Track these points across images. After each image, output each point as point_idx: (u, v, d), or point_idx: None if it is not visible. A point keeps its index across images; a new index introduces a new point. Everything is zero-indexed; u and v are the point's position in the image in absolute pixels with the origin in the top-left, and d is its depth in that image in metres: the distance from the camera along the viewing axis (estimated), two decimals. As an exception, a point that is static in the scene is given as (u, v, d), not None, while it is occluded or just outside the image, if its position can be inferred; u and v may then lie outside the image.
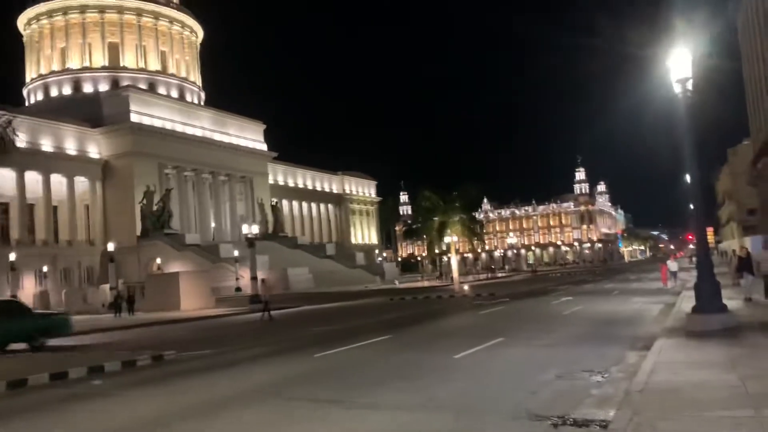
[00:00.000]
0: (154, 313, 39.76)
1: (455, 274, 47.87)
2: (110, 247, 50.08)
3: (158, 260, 76.49)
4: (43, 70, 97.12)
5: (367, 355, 13.99)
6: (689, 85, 12.60)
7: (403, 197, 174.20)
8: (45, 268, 74.28)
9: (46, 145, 78.56)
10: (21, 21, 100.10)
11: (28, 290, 68.06)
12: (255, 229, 41.18)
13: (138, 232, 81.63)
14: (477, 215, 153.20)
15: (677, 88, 12.80)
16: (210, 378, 12.44)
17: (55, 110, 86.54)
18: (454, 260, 49.71)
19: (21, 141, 51.45)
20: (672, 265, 35.24)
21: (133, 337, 24.45)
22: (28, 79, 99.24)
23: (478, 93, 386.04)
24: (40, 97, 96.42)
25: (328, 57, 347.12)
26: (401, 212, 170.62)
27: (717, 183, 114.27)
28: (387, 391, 9.83)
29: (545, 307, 25.88)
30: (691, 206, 31.96)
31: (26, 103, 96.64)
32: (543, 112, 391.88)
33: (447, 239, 48.82)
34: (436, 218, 48.21)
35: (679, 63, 12.59)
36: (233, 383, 11.64)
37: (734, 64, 54.11)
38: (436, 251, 71.65)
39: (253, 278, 39.67)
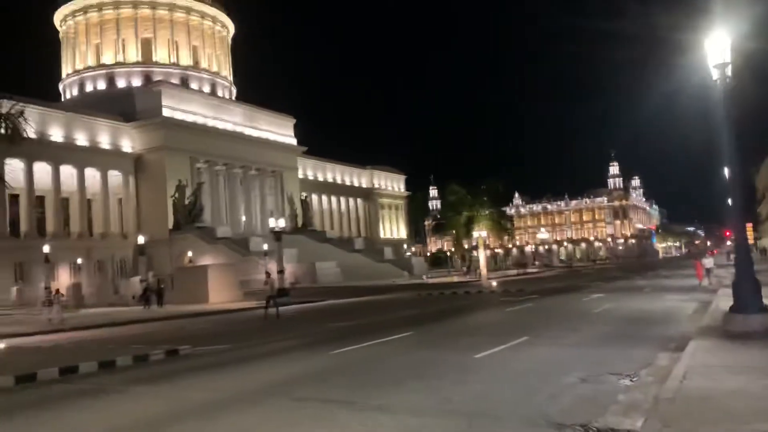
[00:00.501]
0: (183, 306, 40.01)
1: (483, 269, 47.07)
2: (140, 239, 50.62)
3: (189, 253, 77.30)
4: (78, 65, 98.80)
5: (384, 353, 13.55)
6: (728, 71, 11.80)
7: (433, 192, 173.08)
8: (79, 261, 75.57)
9: (81, 140, 79.99)
10: (57, 18, 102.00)
11: (63, 282, 69.21)
12: (282, 223, 41.01)
13: (170, 226, 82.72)
14: (508, 210, 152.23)
15: (715, 75, 12.01)
16: (220, 375, 12.14)
17: (90, 105, 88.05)
18: (482, 255, 48.93)
19: (32, 131, 51.75)
20: (707, 261, 33.90)
21: (157, 329, 24.43)
22: (64, 75, 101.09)
23: (510, 85, 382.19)
24: (75, 92, 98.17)
25: (359, 51, 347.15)
26: (431, 207, 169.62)
27: (756, 177, 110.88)
28: (401, 392, 9.38)
29: (574, 305, 25.10)
30: (729, 201, 30.74)
31: (62, 99, 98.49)
32: (576, 105, 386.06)
33: (475, 234, 47.99)
34: (463, 212, 47.43)
35: (716, 47, 11.79)
36: (243, 381, 11.31)
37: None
38: (465, 246, 70.77)
39: (280, 272, 39.51)
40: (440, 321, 20.57)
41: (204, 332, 21.79)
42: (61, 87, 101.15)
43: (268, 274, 33.73)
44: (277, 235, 39.61)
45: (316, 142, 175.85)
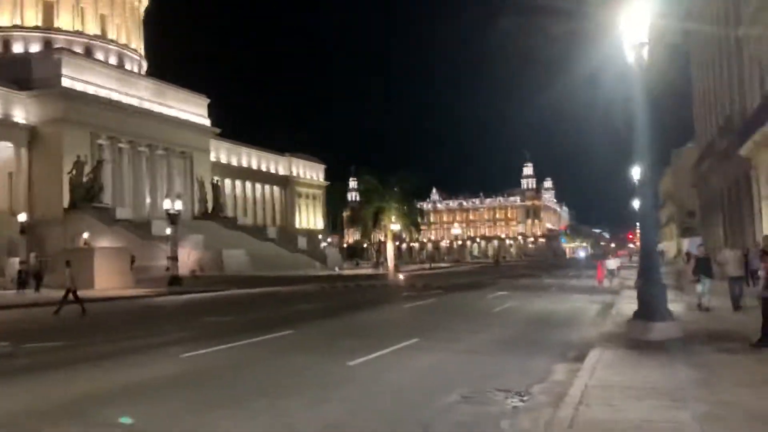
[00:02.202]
0: (63, 291, 36.64)
1: (391, 262, 45.86)
2: (22, 217, 46.09)
3: (85, 234, 72.16)
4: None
5: (247, 358, 11.60)
6: (645, 53, 10.69)
7: (353, 183, 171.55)
8: (-41, 239, 68.88)
9: (-34, 106, 72.94)
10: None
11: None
12: (179, 205, 38.12)
13: (65, 204, 76.99)
14: (425, 205, 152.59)
15: (630, 57, 10.86)
16: (19, 385, 9.72)
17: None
18: (390, 248, 47.73)
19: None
20: (611, 263, 33.91)
21: (5, 318, 21.46)
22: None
23: (434, 79, 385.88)
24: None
25: (281, 33, 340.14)
26: (349, 198, 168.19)
27: (660, 185, 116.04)
28: (235, 414, 7.50)
29: (477, 302, 24.08)
30: (636, 202, 30.58)
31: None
32: (496, 103, 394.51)
33: (386, 226, 46.73)
34: (373, 203, 46.02)
35: (633, 25, 10.66)
36: (42, 393, 8.96)
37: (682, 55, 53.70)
38: (377, 239, 69.59)
39: (173, 258, 36.73)
40: (330, 317, 18.90)
41: (53, 324, 19.13)
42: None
43: (68, 262, 28.17)
44: (172, 218, 36.76)
45: (233, 125, 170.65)
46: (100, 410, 7.86)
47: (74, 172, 77.05)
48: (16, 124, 77.80)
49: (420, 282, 38.51)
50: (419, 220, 58.73)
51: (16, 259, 48.12)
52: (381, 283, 38.51)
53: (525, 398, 8.06)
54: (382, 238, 71.26)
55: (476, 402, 7.88)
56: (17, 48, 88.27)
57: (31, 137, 79.02)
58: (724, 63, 35.33)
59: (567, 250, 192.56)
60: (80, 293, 35.23)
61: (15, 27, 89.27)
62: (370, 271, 56.64)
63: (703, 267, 17.22)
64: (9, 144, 76.85)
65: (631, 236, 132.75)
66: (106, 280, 39.43)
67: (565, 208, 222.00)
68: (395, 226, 47.11)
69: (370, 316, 19.56)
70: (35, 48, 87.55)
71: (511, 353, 11.70)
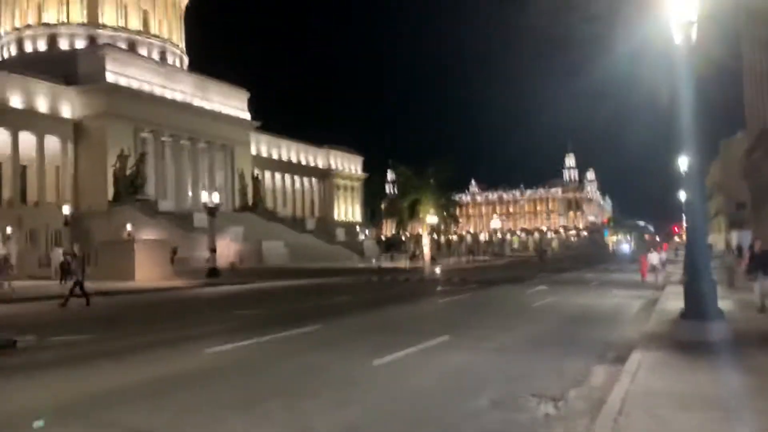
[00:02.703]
0: (105, 282, 37.23)
1: (427, 255, 45.25)
2: (66, 210, 47.03)
3: (129, 226, 73.48)
4: (17, 23, 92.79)
5: (271, 354, 11.23)
6: (693, 32, 9.90)
7: (390, 175, 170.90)
8: (9, 230, 70.99)
9: (15, 102, 74.93)
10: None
11: (-10, 251, 64.77)
12: (216, 198, 38.33)
13: (110, 197, 78.69)
14: (464, 197, 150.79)
15: (677, 37, 10.08)
16: (33, 381, 9.43)
17: (29, 66, 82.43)
18: (426, 240, 47.07)
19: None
20: (654, 257, 32.53)
21: (43, 309, 21.68)
22: (2, 33, 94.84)
23: (473, 69, 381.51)
24: (14, 52, 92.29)
25: (321, 26, 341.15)
26: (387, 190, 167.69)
27: (707, 176, 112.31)
28: (244, 418, 7.11)
29: (514, 297, 23.35)
30: (682, 194, 29.20)
31: (0, 59, 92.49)
32: (536, 92, 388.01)
33: (422, 218, 46.08)
34: (408, 195, 45.39)
35: (680, 2, 9.87)
36: (52, 390, 8.71)
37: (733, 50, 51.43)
38: (415, 230, 68.93)
39: (211, 250, 36.89)
40: (361, 311, 18.47)
41: (87, 316, 19.19)
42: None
43: (73, 255, 27.12)
44: (210, 210, 36.92)
45: (273, 119, 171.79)
46: (103, 410, 7.56)
47: (118, 165, 78.72)
48: (63, 118, 79.81)
49: (457, 276, 37.83)
50: (455, 211, 57.67)
51: (60, 250, 49.13)
52: (416, 276, 37.93)
53: (559, 404, 7.45)
54: (420, 231, 70.71)
55: (506, 408, 7.31)
56: (63, 44, 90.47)
57: (76, 131, 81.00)
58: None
59: (610, 243, 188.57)
60: (118, 285, 35.97)
61: (61, 23, 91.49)
62: (406, 264, 56.15)
63: (763, 263, 15.37)
64: (56, 138, 78.89)
65: (676, 229, 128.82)
66: (147, 271, 39.93)
67: (608, 200, 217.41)
68: (432, 219, 46.35)
69: (402, 310, 19.06)
70: (80, 44, 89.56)
71: (547, 352, 11.06)
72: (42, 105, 77.91)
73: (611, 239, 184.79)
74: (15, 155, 74.50)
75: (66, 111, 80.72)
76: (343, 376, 9.20)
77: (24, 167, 76.90)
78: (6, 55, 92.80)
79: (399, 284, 32.77)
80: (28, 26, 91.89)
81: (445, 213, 50.13)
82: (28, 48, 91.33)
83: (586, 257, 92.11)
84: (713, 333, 9.96)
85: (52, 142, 78.76)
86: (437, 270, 38.83)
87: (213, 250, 36.87)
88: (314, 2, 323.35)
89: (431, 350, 11.09)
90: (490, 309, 19.31)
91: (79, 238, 63.20)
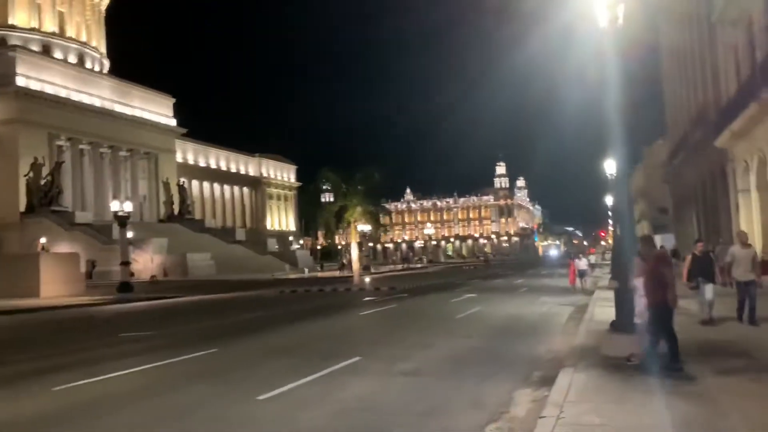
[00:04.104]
0: (5, 300, 34.11)
1: (356, 264, 43.99)
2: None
3: (43, 239, 69.13)
4: None
5: (135, 391, 9.19)
6: (620, 12, 9.00)
7: (327, 185, 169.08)
8: None
9: None
10: None
11: None
12: (128, 207, 35.77)
13: (22, 208, 73.87)
14: (399, 205, 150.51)
15: (602, 19, 9.17)
16: None
17: (-69, 69, 76.79)
18: (354, 249, 45.83)
19: None
20: (582, 262, 32.29)
21: None
22: None
23: (406, 79, 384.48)
24: None
25: (248, 31, 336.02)
26: (324, 199, 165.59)
27: (631, 182, 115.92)
28: None
29: (441, 307, 22.27)
30: (609, 198, 29.03)
31: None
32: (468, 104, 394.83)
33: (349, 225, 44.79)
34: (336, 202, 44.09)
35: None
36: None
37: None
38: (347, 239, 67.53)
39: (123, 263, 34.30)
40: (269, 330, 16.78)
41: None
42: None
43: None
44: (120, 220, 34.31)
45: (202, 126, 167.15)
46: None
47: (31, 174, 74.14)
48: (-32, 125, 74.48)
49: (386, 285, 36.63)
50: (383, 219, 56.57)
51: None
52: (345, 286, 36.48)
53: (471, 447, 6.23)
54: (355, 240, 69.41)
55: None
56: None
57: (-16, 138, 75.69)
58: (697, 50, 34.14)
59: (540, 249, 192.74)
60: (19, 302, 32.94)
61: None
62: (337, 273, 54.65)
63: (703, 268, 13.76)
64: (-40, 146, 73.53)
65: (603, 233, 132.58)
66: (54, 287, 36.90)
67: (538, 207, 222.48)
68: (363, 226, 45.11)
69: (316, 326, 17.52)
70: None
71: (465, 375, 9.84)
72: (-55, 110, 72.53)
73: (541, 245, 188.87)
74: None
75: (-28, 117, 75.41)
76: (214, 417, 7.59)
77: (-75, 177, 71.35)
78: None
79: (323, 295, 31.25)
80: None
81: (372, 220, 48.84)
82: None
83: (516, 263, 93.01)
84: (643, 348, 8.98)
85: (-44, 150, 73.37)
86: (366, 279, 37.55)
87: (125, 263, 34.34)
88: (242, 9, 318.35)
89: (336, 376, 9.68)
90: (413, 321, 18.07)
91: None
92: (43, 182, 74.85)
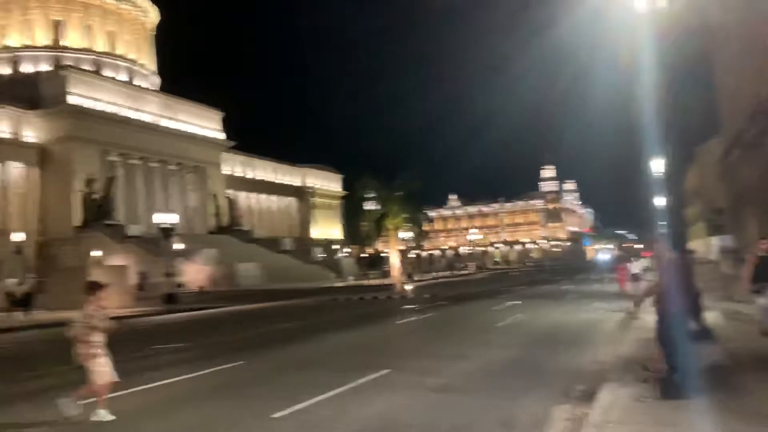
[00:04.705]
0: (59, 313, 34.97)
1: (397, 272, 43.48)
2: (17, 237, 44.71)
3: (97, 252, 70.99)
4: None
5: (149, 406, 8.99)
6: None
7: (368, 192, 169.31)
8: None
9: (-24, 127, 72.51)
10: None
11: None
12: (171, 219, 36.21)
13: (77, 223, 76.12)
14: (444, 210, 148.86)
15: (642, 4, 8.49)
16: None
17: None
18: (394, 257, 45.29)
19: None
20: (635, 265, 30.85)
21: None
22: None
23: (453, 85, 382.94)
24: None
25: (296, 43, 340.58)
26: (368, 207, 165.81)
27: (684, 182, 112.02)
28: None
29: (481, 315, 21.57)
30: (658, 200, 27.68)
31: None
32: (515, 107, 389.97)
33: (390, 232, 44.33)
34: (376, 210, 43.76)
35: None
36: None
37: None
38: (392, 247, 67.16)
39: (168, 274, 34.74)
40: (300, 340, 16.41)
41: None
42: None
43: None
44: (165, 232, 34.80)
45: (248, 138, 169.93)
46: None
47: (85, 189, 76.29)
48: (26, 143, 77.23)
49: (428, 292, 36.02)
50: (427, 225, 55.95)
51: (14, 280, 46.65)
52: (385, 294, 36.01)
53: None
54: (402, 247, 68.93)
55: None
56: (27, 68, 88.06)
57: (41, 156, 78.41)
58: (755, 34, 32.33)
59: (591, 253, 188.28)
60: (68, 314, 33.70)
61: (25, 47, 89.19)
62: (379, 281, 54.23)
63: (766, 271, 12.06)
64: (19, 164, 76.24)
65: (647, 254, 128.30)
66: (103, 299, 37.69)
67: (589, 210, 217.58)
68: (406, 233, 44.63)
69: (348, 336, 17.06)
70: (44, 67, 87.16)
71: (498, 389, 9.22)
72: (4, 130, 75.36)
73: (592, 248, 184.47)
74: (-24, 183, 71.87)
75: (30, 136, 78.19)
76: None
77: (-13, 194, 74.19)
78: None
79: (363, 304, 30.82)
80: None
81: (412, 226, 48.31)
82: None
83: (566, 268, 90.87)
84: (702, 358, 8.16)
85: (14, 168, 76.07)
86: (408, 287, 37.06)
87: (169, 275, 34.76)
88: (282, 21, 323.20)
89: (360, 391, 9.21)
90: (450, 331, 17.46)
91: (47, 266, 60.76)
92: (96, 197, 76.97)
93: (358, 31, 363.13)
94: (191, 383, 10.71)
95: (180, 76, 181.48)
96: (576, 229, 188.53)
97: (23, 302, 34.86)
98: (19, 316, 33.38)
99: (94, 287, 8.72)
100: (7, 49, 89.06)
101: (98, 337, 8.75)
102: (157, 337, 20.52)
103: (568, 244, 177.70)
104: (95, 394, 8.46)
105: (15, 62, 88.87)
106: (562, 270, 77.29)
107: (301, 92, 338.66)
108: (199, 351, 15.22)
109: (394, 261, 44.55)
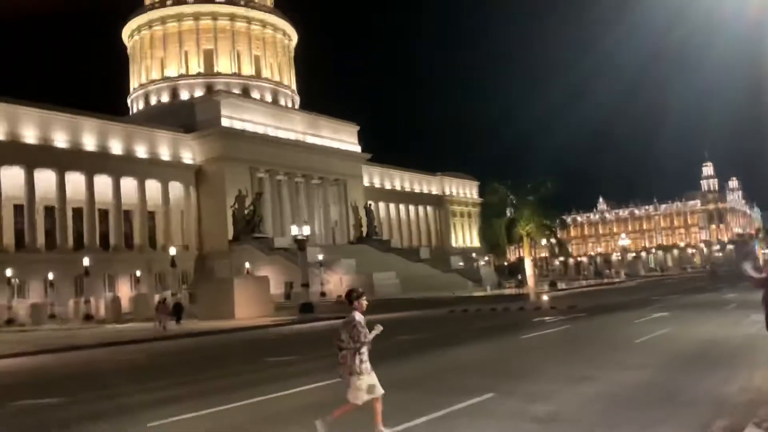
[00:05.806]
0: (205, 322, 37.22)
1: (531, 281, 41.28)
2: (172, 251, 48.21)
3: (247, 264, 75.33)
4: (144, 79, 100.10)
5: (224, 428, 8.66)
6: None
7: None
8: (138, 273, 74.99)
9: (141, 152, 79.98)
10: (125, 33, 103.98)
11: (124, 294, 68.33)
12: (306, 230, 37.17)
13: (230, 237, 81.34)
14: (592, 215, 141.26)
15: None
16: None
17: (154, 118, 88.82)
18: (528, 265, 43.08)
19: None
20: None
21: (96, 357, 20.77)
22: (131, 89, 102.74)
23: (600, 84, 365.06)
24: (141, 105, 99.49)
25: (426, 58, 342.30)
26: (508, 213, 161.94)
27: None
28: None
29: (620, 328, 19.50)
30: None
31: (130, 113, 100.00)
32: (666, 103, 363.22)
33: (522, 239, 42.28)
34: (505, 215, 41.94)
35: None
36: None
37: None
38: (535, 255, 64.45)
39: (304, 285, 35.56)
40: (415, 355, 15.45)
41: (112, 367, 17.70)
42: (129, 101, 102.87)
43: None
44: (300, 243, 35.77)
45: (384, 149, 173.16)
46: None
47: (236, 205, 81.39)
48: (184, 164, 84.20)
49: (567, 302, 33.69)
50: (573, 231, 52.91)
51: (167, 293, 50.33)
52: (519, 305, 34.20)
53: None
54: (540, 254, 66.09)
55: None
56: (183, 95, 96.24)
57: (197, 176, 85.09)
58: None
59: (761, 257, 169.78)
60: (215, 324, 35.63)
61: (180, 76, 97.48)
62: (515, 291, 52.06)
63: None
64: (178, 184, 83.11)
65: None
66: (246, 309, 39.53)
67: (756, 210, 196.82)
68: (543, 240, 42.37)
69: (464, 352, 15.84)
70: (199, 93, 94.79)
71: (618, 422, 7.74)
72: (165, 153, 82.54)
73: (763, 251, 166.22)
74: (142, 202, 79.08)
75: (187, 157, 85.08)
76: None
77: (151, 213, 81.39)
78: (135, 109, 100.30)
79: (493, 315, 29.35)
80: (152, 81, 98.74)
81: (549, 233, 45.66)
82: (153, 101, 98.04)
83: (730, 274, 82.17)
84: None
85: (175, 188, 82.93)
86: (545, 297, 34.80)
87: (306, 285, 35.57)
88: (409, 32, 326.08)
89: (454, 418, 8.22)
90: (578, 347, 15.78)
91: (205, 279, 65.22)
92: (246, 212, 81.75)
93: (487, 42, 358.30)
94: (276, 403, 10.17)
95: (316, 93, 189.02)
96: (742, 230, 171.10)
97: (174, 313, 37.34)
98: (171, 326, 35.76)
99: (354, 295, 7.83)
100: (166, 79, 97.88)
101: (365, 348, 8.10)
102: (278, 348, 20.77)
103: (731, 247, 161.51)
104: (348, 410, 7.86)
105: (174, 91, 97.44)
106: (726, 276, 69.91)
107: (432, 100, 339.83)
108: (306, 365, 14.89)
109: (527, 269, 42.43)
